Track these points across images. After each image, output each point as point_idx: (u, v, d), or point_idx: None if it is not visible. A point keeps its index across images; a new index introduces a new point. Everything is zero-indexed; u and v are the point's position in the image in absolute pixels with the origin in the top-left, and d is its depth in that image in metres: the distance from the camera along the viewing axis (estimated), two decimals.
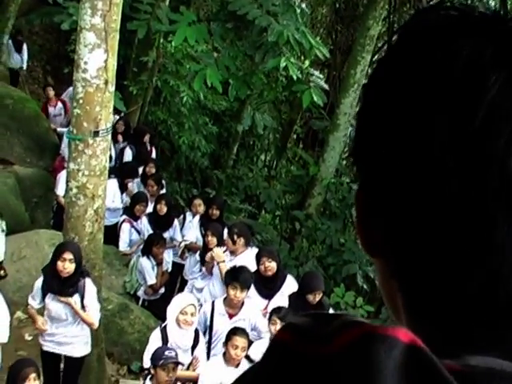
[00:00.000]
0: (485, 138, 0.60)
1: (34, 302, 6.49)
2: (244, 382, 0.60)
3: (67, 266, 6.22)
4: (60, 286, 6.33)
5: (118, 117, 12.80)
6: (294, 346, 0.56)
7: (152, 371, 5.72)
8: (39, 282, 6.46)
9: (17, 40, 14.87)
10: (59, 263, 6.22)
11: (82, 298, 6.38)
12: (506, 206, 0.60)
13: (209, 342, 6.83)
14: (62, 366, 6.81)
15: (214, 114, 15.69)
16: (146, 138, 12.27)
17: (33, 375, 5.54)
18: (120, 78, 12.83)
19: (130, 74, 14.53)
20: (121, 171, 10.80)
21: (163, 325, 6.49)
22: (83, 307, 6.39)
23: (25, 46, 14.99)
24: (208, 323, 6.85)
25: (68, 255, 6.22)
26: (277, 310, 6.44)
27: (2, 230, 7.53)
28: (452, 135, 0.61)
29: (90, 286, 6.43)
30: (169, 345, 6.24)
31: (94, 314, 6.46)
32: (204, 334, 6.84)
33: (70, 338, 6.53)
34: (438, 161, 0.62)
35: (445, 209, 0.62)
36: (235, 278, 6.81)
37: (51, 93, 13.33)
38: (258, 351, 6.19)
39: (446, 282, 0.63)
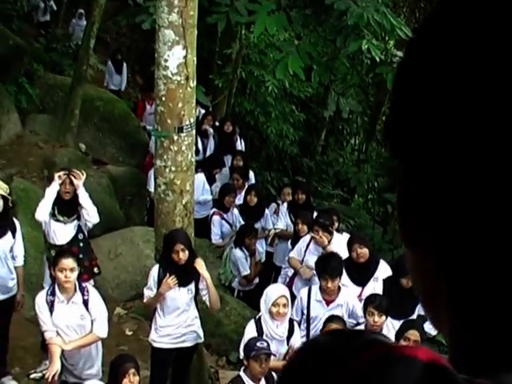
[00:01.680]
0: None
1: (151, 292, 6.48)
2: None
3: (182, 256, 6.32)
4: (178, 273, 6.36)
5: (203, 111, 12.94)
6: (314, 368, 0.55)
7: (245, 362, 5.75)
8: (155, 272, 6.50)
9: (116, 60, 14.74)
10: (174, 256, 6.33)
11: (197, 284, 6.48)
12: None
13: (307, 329, 6.83)
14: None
15: (300, 101, 15.65)
16: (228, 127, 12.28)
17: (132, 370, 5.63)
18: (205, 72, 13.00)
19: (215, 67, 14.68)
20: (206, 163, 10.92)
21: (257, 316, 6.52)
22: (197, 294, 6.51)
23: (125, 66, 14.88)
24: (305, 311, 6.85)
25: (179, 246, 6.32)
26: (372, 299, 6.33)
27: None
28: None
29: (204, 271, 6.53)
30: (264, 336, 6.26)
31: (214, 298, 6.58)
32: (301, 321, 6.85)
33: (183, 328, 6.56)
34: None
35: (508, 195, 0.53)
36: (324, 269, 6.79)
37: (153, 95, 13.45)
38: None
39: (503, 285, 0.56)
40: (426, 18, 0.60)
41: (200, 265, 6.46)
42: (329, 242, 7.71)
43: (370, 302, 6.26)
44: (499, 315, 0.56)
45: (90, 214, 7.39)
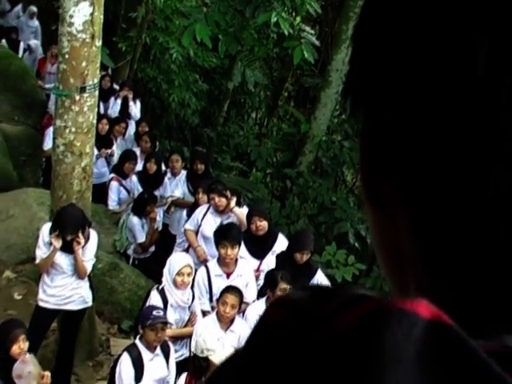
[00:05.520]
0: None
1: (42, 252, 6.41)
2: (229, 365, 0.49)
3: (69, 237, 6.28)
4: (66, 242, 6.33)
5: (103, 73, 12.61)
6: (287, 327, 0.44)
7: (141, 331, 5.67)
8: (45, 231, 6.40)
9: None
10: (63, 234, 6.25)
11: (83, 246, 6.40)
12: None
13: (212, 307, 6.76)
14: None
15: (204, 72, 15.48)
16: (124, 93, 12.04)
17: (22, 336, 5.49)
18: (109, 34, 12.65)
19: (119, 30, 14.30)
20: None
21: (160, 287, 6.41)
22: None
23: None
24: (207, 288, 6.77)
25: (69, 230, 6.25)
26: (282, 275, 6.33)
27: None
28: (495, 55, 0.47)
29: (93, 235, 6.55)
30: (169, 305, 6.21)
31: (89, 264, 6.53)
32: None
33: (69, 291, 6.51)
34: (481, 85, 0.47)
35: (479, 140, 0.47)
36: (223, 236, 6.75)
37: (54, 51, 13.00)
38: (254, 312, 6.16)
39: (480, 234, 0.48)
40: None
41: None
42: (227, 207, 7.66)
43: (282, 279, 6.26)
44: (481, 267, 0.48)
45: None
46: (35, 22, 14.76)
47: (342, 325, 0.42)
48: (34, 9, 14.94)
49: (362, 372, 0.40)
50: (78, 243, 6.30)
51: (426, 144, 0.49)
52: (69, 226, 6.26)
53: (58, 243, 6.26)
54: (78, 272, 6.46)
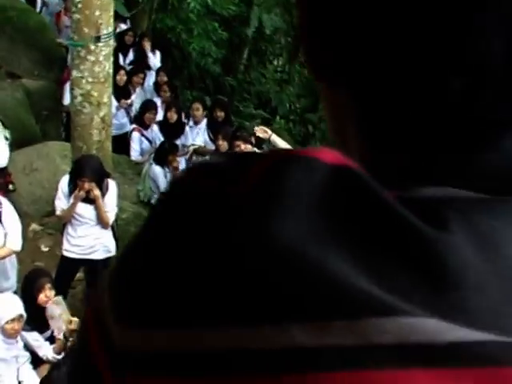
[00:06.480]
0: None
1: (61, 202, 6.49)
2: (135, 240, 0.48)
3: (87, 186, 6.30)
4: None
5: (124, 26, 12.56)
6: (198, 186, 0.43)
7: None
8: (64, 183, 6.46)
9: None
10: (79, 183, 6.28)
11: (103, 196, 6.45)
12: None
13: None
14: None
15: (224, 20, 15.32)
16: (146, 44, 11.99)
17: (48, 285, 5.61)
18: None
19: None
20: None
21: None
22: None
23: None
24: None
25: (86, 177, 6.27)
26: None
27: (6, 138, 7.42)
28: None
29: (112, 186, 6.57)
30: None
31: (111, 214, 6.55)
32: None
33: (92, 240, 6.58)
34: None
35: None
36: None
37: (69, 4, 12.97)
38: None
39: (414, 90, 0.45)
40: None
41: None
42: None
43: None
44: (411, 124, 0.46)
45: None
46: None
47: (249, 180, 0.42)
48: None
49: (258, 219, 0.40)
50: (96, 193, 6.33)
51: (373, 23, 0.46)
52: (87, 171, 6.27)
53: (79, 193, 6.31)
54: (101, 221, 6.52)
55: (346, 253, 0.39)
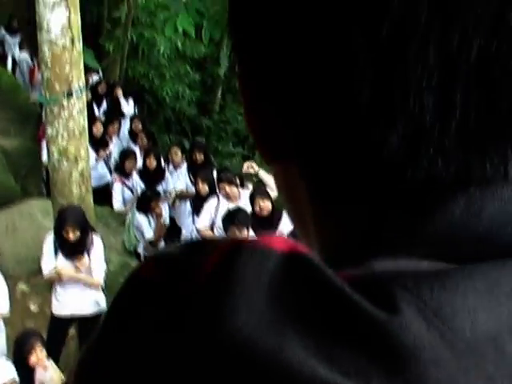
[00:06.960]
0: None
1: (49, 265, 6.44)
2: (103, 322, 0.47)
3: (71, 236, 6.22)
4: (70, 249, 6.33)
5: (96, 77, 12.63)
6: (155, 282, 0.42)
7: None
8: (50, 243, 6.40)
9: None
10: (64, 234, 6.20)
11: (89, 253, 6.38)
12: None
13: None
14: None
15: (194, 62, 15.47)
16: (118, 92, 12.08)
17: (39, 346, 5.54)
18: (95, 36, 12.67)
19: (105, 31, 14.29)
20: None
21: None
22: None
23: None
24: None
25: (70, 227, 6.18)
26: None
27: None
28: None
29: (97, 242, 6.50)
30: None
31: (100, 272, 6.49)
32: None
33: (81, 297, 6.52)
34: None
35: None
36: (231, 221, 6.76)
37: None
38: None
39: (355, 156, 0.45)
40: None
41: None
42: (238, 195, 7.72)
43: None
44: (356, 194, 0.46)
45: None
46: (17, 35, 14.73)
47: (201, 273, 0.41)
48: (14, 23, 14.94)
49: (211, 311, 0.39)
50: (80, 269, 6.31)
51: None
52: (70, 220, 6.20)
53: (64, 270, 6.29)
54: (90, 286, 6.49)
55: (302, 341, 0.38)
